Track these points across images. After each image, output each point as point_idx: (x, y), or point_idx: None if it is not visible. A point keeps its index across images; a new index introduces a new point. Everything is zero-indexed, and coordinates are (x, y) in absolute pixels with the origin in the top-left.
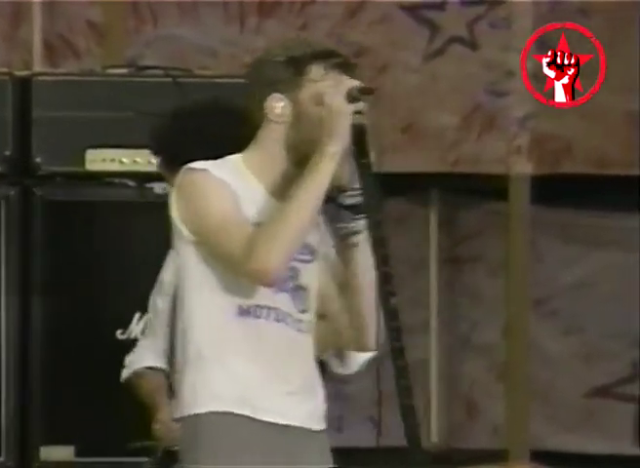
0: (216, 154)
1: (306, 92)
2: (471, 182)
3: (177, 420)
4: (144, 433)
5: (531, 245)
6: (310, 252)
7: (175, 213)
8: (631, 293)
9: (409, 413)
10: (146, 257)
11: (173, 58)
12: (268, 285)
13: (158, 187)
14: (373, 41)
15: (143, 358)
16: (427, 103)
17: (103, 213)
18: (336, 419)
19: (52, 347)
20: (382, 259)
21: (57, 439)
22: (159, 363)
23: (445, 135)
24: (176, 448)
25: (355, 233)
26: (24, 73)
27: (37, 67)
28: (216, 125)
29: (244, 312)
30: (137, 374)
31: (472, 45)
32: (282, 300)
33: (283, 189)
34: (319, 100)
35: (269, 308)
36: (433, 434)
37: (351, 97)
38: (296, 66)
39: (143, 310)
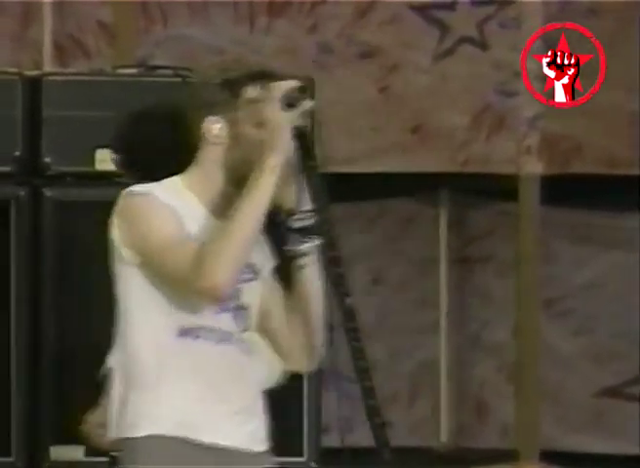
0: (169, 158)
1: (242, 113)
2: (481, 182)
3: (117, 441)
4: None
5: (541, 245)
6: (253, 270)
7: (116, 236)
8: None
9: (373, 413)
10: None
11: (183, 58)
12: (218, 301)
13: None
14: (383, 41)
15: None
16: (437, 103)
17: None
18: (344, 419)
19: (62, 347)
20: (334, 261)
21: (66, 439)
22: None
23: (455, 135)
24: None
25: (303, 255)
26: (34, 73)
27: (47, 67)
28: (172, 130)
29: (184, 333)
30: (106, 372)
31: (482, 45)
32: (224, 320)
33: (223, 209)
34: (255, 121)
35: (211, 329)
36: (443, 434)
37: (289, 102)
38: (231, 89)
39: None
